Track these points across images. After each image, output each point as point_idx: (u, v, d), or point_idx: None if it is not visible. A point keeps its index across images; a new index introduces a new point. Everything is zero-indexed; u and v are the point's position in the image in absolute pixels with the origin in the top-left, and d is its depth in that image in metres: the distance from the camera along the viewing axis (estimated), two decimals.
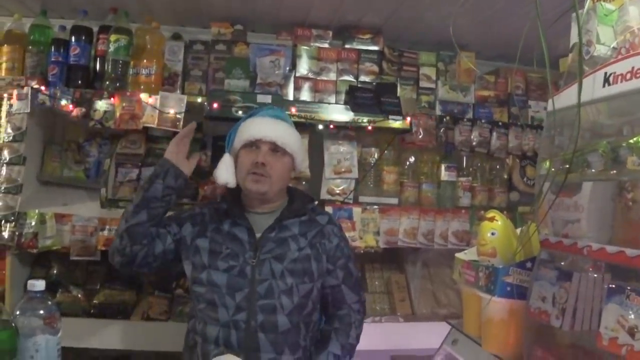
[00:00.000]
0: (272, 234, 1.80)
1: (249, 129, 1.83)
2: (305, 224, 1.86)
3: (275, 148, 1.81)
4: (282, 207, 1.88)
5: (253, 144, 1.81)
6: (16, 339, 1.18)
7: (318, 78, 2.92)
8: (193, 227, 1.85)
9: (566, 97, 1.45)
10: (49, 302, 1.29)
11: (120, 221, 1.82)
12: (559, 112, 1.46)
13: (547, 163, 1.51)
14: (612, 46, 1.38)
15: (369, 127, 2.67)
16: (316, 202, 1.98)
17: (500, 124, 3.06)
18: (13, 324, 1.19)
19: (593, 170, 1.35)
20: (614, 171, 1.29)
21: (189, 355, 1.80)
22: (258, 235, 1.79)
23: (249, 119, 1.87)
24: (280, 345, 1.70)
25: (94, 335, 2.48)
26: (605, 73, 1.31)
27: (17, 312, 1.24)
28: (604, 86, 1.31)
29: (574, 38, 1.49)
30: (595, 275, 1.33)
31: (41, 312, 1.26)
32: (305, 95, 2.89)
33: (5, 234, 2.40)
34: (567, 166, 1.32)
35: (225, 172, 1.83)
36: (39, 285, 1.27)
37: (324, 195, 2.75)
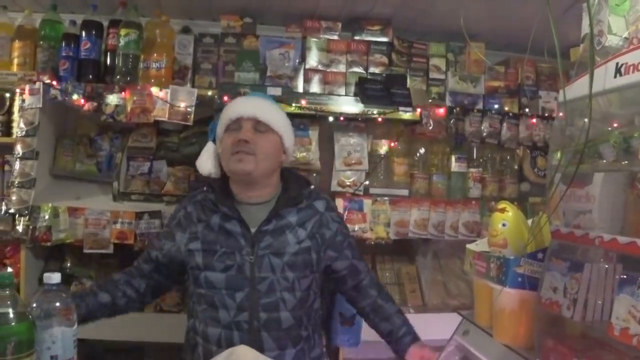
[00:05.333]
0: (268, 226, 1.71)
1: (229, 110, 1.74)
2: (302, 212, 1.77)
3: (258, 125, 1.70)
4: (276, 196, 1.77)
5: (234, 123, 1.70)
6: (34, 331, 1.20)
7: (328, 70, 2.92)
8: (184, 233, 1.76)
9: (577, 88, 1.44)
10: (65, 295, 1.31)
11: None
12: (570, 103, 1.45)
13: (559, 154, 1.50)
14: (623, 36, 1.37)
15: (379, 119, 2.67)
16: (312, 187, 1.87)
17: (510, 114, 3.04)
18: (30, 316, 1.20)
19: (605, 161, 1.34)
20: (626, 162, 1.28)
21: (190, 355, 1.76)
22: (253, 229, 1.70)
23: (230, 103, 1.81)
24: (283, 341, 1.68)
25: (107, 327, 2.49)
26: (617, 63, 1.30)
27: (34, 305, 1.25)
28: (615, 77, 1.30)
29: (585, 28, 1.47)
30: (607, 266, 1.33)
31: (57, 304, 1.27)
32: (315, 88, 2.89)
33: (20, 228, 2.43)
34: (579, 157, 1.32)
35: (208, 162, 1.76)
36: (55, 277, 1.29)
37: (334, 187, 2.76)
